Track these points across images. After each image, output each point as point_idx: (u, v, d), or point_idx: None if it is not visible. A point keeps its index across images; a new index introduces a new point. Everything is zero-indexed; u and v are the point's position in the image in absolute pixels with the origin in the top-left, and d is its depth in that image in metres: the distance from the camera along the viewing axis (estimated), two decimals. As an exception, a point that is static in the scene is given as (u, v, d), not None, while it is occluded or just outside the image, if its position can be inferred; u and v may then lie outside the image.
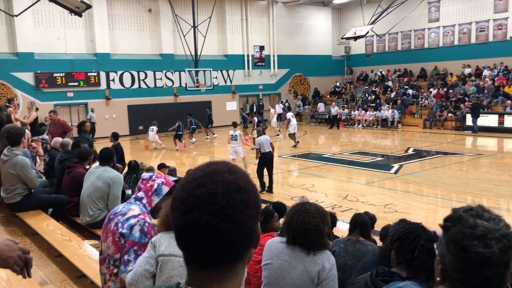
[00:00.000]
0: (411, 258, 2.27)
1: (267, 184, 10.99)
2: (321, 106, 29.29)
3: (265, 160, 10.93)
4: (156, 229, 2.74)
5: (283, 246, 2.85)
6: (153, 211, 2.86)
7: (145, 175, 2.93)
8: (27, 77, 21.75)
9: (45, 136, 10.86)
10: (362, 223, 4.03)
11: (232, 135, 13.21)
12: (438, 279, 1.32)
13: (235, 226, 0.90)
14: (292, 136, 18.68)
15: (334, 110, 25.95)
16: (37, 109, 10.97)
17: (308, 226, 2.75)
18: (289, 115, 19.16)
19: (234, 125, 14.28)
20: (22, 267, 1.99)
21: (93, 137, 20.38)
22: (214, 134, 22.38)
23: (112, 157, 5.67)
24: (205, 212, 0.89)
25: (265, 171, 11.12)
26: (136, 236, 2.68)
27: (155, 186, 2.85)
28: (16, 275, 2.06)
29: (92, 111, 23.01)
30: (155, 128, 18.87)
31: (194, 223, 0.89)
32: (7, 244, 1.97)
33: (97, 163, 5.76)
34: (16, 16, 16.10)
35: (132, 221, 2.70)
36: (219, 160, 1.00)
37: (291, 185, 12.08)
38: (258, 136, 11.26)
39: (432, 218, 8.85)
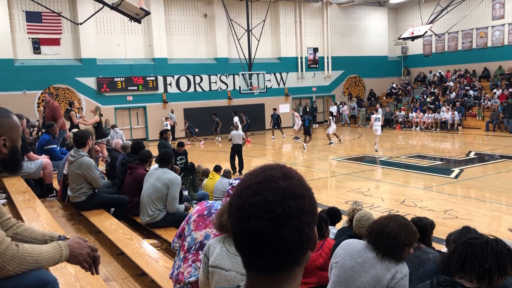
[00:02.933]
0: (463, 264, 2.22)
1: (237, 169, 13.66)
2: (346, 108, 29.34)
3: (234, 150, 13.81)
4: (213, 228, 2.81)
5: (359, 248, 2.84)
6: None
7: (233, 182, 2.90)
8: (90, 81, 22.84)
9: (108, 138, 11.32)
10: (421, 227, 3.85)
11: (376, 117, 17.61)
12: None
13: (291, 233, 0.90)
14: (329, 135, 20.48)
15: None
16: (101, 114, 11.44)
17: (388, 230, 2.75)
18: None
19: (377, 110, 18.87)
20: (91, 264, 2.10)
21: (174, 137, 21.95)
22: (283, 135, 22.96)
23: (171, 159, 5.84)
24: (261, 219, 0.89)
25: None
26: None
27: None
28: (85, 272, 2.18)
29: (172, 112, 23.94)
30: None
31: (250, 230, 0.90)
32: (78, 242, 2.08)
33: (156, 165, 5.95)
34: (81, 24, 16.94)
35: None
36: (274, 164, 0.99)
37: (346, 188, 11.90)
38: (233, 130, 14.57)
39: (496, 226, 8.42)
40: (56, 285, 2.09)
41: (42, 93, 21.63)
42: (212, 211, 2.98)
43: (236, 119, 22.11)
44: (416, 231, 2.85)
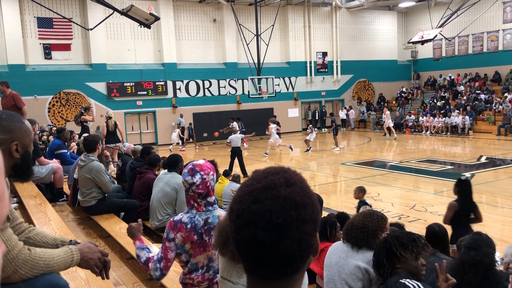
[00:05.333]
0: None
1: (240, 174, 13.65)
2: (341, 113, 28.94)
3: (234, 152, 14.13)
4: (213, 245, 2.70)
5: (341, 246, 3.10)
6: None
7: (191, 180, 2.71)
8: (100, 86, 23.01)
9: (119, 143, 11.37)
10: (440, 234, 3.85)
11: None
12: None
13: (291, 243, 0.88)
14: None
15: (384, 116, 25.12)
16: (108, 117, 11.47)
17: (355, 224, 3.00)
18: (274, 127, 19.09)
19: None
20: (101, 268, 2.11)
21: (183, 141, 22.12)
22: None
23: (178, 163, 5.84)
24: (260, 228, 0.87)
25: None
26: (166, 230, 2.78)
27: (211, 184, 2.76)
28: (95, 276, 2.19)
29: (181, 116, 23.90)
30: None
31: (250, 238, 0.89)
32: (89, 247, 2.09)
33: (165, 170, 5.96)
34: (91, 29, 17.10)
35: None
36: (277, 168, 0.97)
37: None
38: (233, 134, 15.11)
39: (508, 231, 8.32)
40: (67, 290, 2.10)
41: (52, 98, 21.87)
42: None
43: (234, 124, 21.26)
44: (382, 216, 3.06)
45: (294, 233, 0.88)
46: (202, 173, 2.70)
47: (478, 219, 5.67)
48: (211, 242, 2.74)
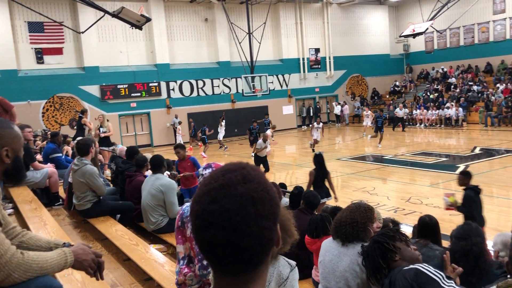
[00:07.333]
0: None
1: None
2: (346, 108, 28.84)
3: (260, 159, 13.73)
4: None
5: (333, 244, 3.10)
6: None
7: (205, 172, 2.81)
8: (93, 89, 22.96)
9: (113, 147, 11.40)
10: (432, 225, 3.91)
11: None
12: None
13: (251, 240, 0.89)
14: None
15: (402, 112, 24.60)
16: (107, 120, 11.56)
17: (344, 220, 2.99)
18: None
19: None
20: (95, 269, 2.13)
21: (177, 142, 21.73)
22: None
23: (162, 163, 5.78)
24: (219, 228, 0.88)
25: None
26: None
27: None
28: (90, 277, 2.21)
29: (176, 117, 23.81)
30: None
31: (211, 239, 0.89)
32: (82, 248, 2.11)
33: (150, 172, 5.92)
34: (82, 32, 17.01)
35: None
36: (235, 164, 0.96)
37: (351, 188, 11.89)
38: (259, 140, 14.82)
39: (504, 221, 8.38)
40: (61, 292, 2.12)
41: (46, 103, 21.80)
42: (184, 220, 2.91)
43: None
44: (369, 207, 3.09)
45: (253, 230, 0.89)
46: (214, 169, 2.78)
47: (331, 184, 8.57)
48: (191, 235, 2.86)
